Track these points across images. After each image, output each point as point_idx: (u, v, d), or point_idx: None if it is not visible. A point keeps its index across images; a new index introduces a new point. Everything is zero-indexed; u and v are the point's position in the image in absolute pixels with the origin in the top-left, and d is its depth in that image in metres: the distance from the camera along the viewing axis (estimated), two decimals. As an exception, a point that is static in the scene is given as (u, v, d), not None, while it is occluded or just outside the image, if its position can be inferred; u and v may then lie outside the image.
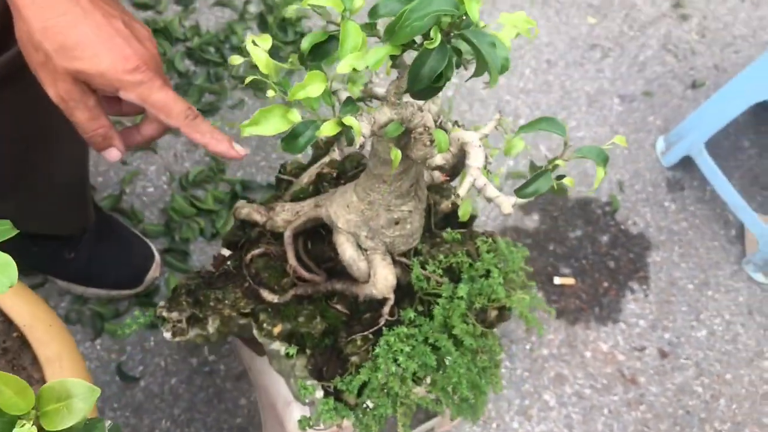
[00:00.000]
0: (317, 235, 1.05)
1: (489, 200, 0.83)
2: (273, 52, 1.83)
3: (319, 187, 1.06)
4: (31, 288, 1.52)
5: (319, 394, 0.97)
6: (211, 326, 0.99)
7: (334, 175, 1.07)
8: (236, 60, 0.77)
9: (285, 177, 1.11)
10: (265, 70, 0.69)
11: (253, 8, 1.96)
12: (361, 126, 0.75)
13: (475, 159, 0.78)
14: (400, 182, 0.90)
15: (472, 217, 1.14)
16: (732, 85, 1.82)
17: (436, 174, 1.07)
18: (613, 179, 1.92)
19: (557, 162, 0.76)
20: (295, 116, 0.70)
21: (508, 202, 0.78)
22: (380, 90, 0.85)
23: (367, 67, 0.68)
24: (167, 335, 0.99)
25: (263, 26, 1.93)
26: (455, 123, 0.87)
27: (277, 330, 0.95)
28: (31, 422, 0.51)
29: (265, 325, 0.96)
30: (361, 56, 0.67)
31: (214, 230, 1.64)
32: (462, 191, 0.76)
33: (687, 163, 1.96)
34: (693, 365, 1.70)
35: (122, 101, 0.93)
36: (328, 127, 0.70)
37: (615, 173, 1.93)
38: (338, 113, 0.73)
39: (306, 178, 1.08)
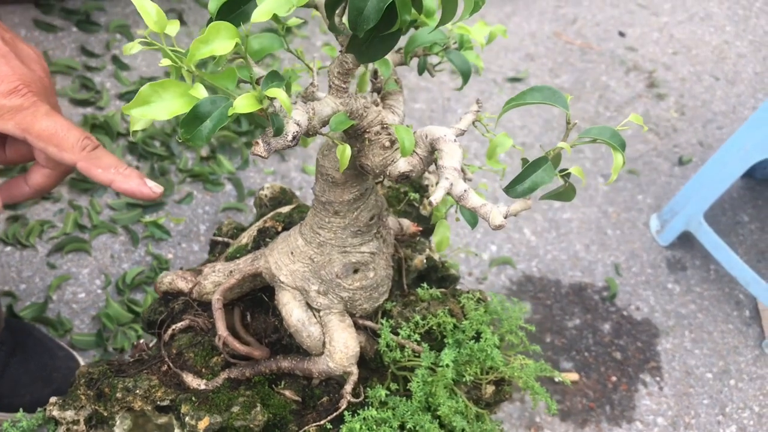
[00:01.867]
0: (260, 305, 0.83)
1: (472, 213, 0.62)
2: (225, 144, 1.66)
3: (261, 244, 0.85)
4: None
5: None
6: (119, 428, 0.75)
7: (279, 229, 0.86)
8: (129, 48, 0.57)
9: (220, 239, 0.90)
10: (155, 27, 0.51)
11: (203, 101, 1.82)
12: (294, 111, 0.56)
13: (450, 158, 0.59)
14: (356, 212, 0.70)
15: (453, 279, 0.93)
16: (722, 153, 1.68)
17: (406, 223, 0.87)
18: (608, 262, 1.73)
19: (560, 146, 0.56)
20: (200, 92, 0.51)
21: (497, 212, 0.58)
22: (323, 95, 0.66)
23: (288, 19, 0.50)
24: (59, 443, 0.74)
25: (214, 118, 1.78)
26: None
27: (203, 424, 0.71)
28: None
29: (187, 418, 0.71)
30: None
31: (155, 337, 1.39)
32: (435, 197, 0.56)
33: (685, 241, 1.79)
34: (727, 468, 1.44)
35: (5, 145, 0.74)
36: (244, 103, 0.50)
37: (609, 256, 1.74)
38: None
39: (246, 237, 0.87)
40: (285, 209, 0.90)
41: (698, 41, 2.39)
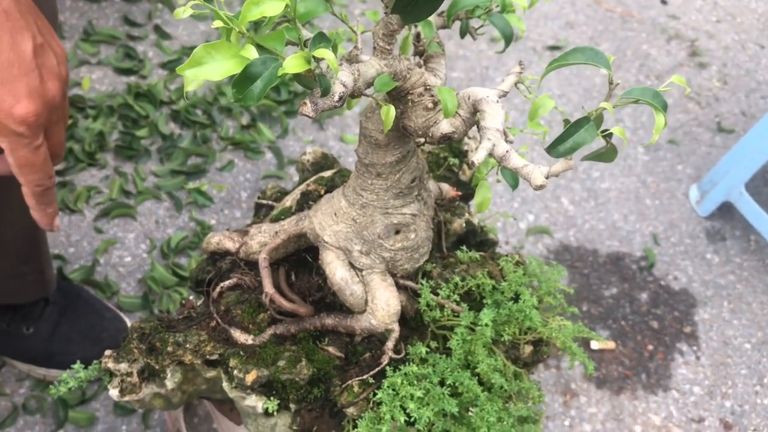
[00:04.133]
0: (303, 265, 0.85)
1: (514, 176, 0.64)
2: (265, 112, 1.68)
3: (304, 207, 0.87)
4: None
5: (309, 462, 0.74)
6: (171, 381, 0.78)
7: (322, 192, 0.88)
8: (180, 13, 0.59)
9: (264, 202, 0.93)
10: (207, -10, 0.52)
11: (243, 70, 1.84)
12: (340, 72, 0.57)
13: (493, 119, 0.60)
14: (398, 174, 0.71)
15: (492, 243, 0.95)
16: (764, 123, 1.65)
17: (446, 187, 0.89)
18: (646, 232, 1.72)
19: (603, 106, 0.57)
20: (251, 52, 0.53)
21: (539, 172, 0.59)
22: (366, 57, 0.68)
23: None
24: (114, 393, 0.78)
25: (254, 87, 1.80)
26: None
27: (250, 377, 0.74)
28: None
29: (235, 372, 0.74)
30: (332, -40, 0.50)
31: (199, 300, 1.43)
32: (477, 157, 0.57)
33: (726, 212, 1.77)
34: (764, 437, 1.44)
35: None
36: (293, 63, 0.52)
37: (648, 225, 1.73)
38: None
39: (289, 200, 0.90)
40: (327, 173, 0.92)
41: (743, 8, 2.34)
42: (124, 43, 1.85)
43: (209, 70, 0.53)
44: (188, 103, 1.74)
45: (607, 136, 0.58)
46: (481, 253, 0.85)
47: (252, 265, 0.83)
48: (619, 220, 1.73)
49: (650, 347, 1.54)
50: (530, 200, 1.73)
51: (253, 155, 1.69)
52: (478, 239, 0.92)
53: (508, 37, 0.73)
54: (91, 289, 1.44)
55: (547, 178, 0.59)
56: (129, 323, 1.36)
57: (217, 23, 0.54)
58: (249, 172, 1.67)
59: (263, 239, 0.82)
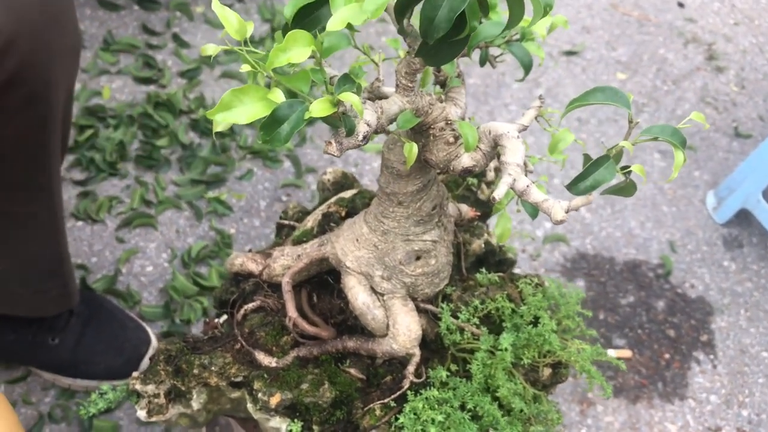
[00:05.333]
0: (325, 287, 0.87)
1: (534, 206, 0.65)
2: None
3: (326, 228, 0.89)
4: (10, 383, 1.35)
5: (332, 482, 0.76)
6: (196, 402, 0.80)
7: (343, 214, 0.90)
8: (212, 50, 0.61)
9: (286, 222, 0.94)
10: (237, 36, 0.54)
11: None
12: (364, 111, 0.59)
13: (513, 154, 0.61)
14: (419, 203, 0.73)
15: (511, 262, 0.96)
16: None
17: (465, 208, 0.90)
18: (663, 239, 1.72)
19: (622, 145, 0.58)
20: (278, 96, 0.54)
21: (559, 207, 0.60)
22: (389, 89, 0.69)
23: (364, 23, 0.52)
24: (141, 414, 0.80)
25: (272, 95, 1.82)
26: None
27: (274, 400, 0.75)
28: None
29: (260, 394, 0.76)
30: (357, 8, 0.51)
31: (219, 310, 1.46)
32: (498, 193, 0.59)
33: (743, 218, 1.77)
34: (781, 447, 1.44)
35: None
36: (319, 107, 0.53)
37: (664, 233, 1.73)
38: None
39: (311, 221, 0.91)
40: (347, 194, 0.93)
41: (762, 11, 2.33)
42: (143, 52, 1.87)
43: (238, 114, 0.55)
44: (207, 111, 1.75)
45: (627, 172, 0.59)
46: (500, 275, 0.86)
47: (275, 287, 0.85)
48: (635, 228, 1.74)
49: (667, 356, 1.54)
50: (547, 208, 1.74)
51: (272, 164, 1.71)
52: (497, 258, 0.93)
53: (528, 66, 0.74)
54: (114, 299, 1.46)
55: (567, 212, 0.60)
56: (151, 333, 1.38)
57: (245, 67, 0.55)
58: (267, 181, 1.69)
59: (286, 262, 0.83)
